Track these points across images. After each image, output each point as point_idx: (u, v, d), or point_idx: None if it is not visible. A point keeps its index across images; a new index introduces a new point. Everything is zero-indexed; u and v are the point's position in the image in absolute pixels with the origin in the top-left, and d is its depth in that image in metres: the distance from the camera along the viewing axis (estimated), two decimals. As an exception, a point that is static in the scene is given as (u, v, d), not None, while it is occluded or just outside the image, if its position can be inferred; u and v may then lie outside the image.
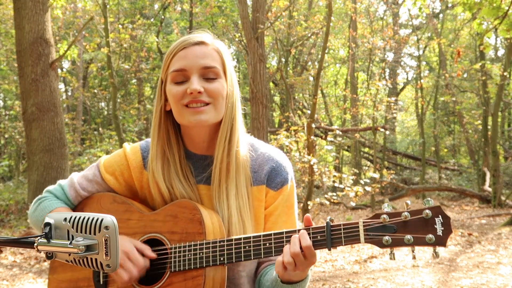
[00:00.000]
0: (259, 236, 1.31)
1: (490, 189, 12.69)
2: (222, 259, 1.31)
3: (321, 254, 6.64)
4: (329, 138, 12.52)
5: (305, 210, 9.83)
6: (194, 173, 1.47)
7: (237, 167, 1.42)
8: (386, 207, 1.24)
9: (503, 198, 12.31)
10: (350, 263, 6.16)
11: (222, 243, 1.32)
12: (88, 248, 1.02)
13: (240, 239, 1.32)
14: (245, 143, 1.47)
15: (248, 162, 1.45)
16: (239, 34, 14.67)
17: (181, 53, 1.39)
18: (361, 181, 10.99)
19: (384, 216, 1.22)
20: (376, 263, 6.11)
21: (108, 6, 11.44)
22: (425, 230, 1.20)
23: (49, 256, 1.05)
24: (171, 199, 1.42)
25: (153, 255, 1.37)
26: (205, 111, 1.36)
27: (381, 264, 6.01)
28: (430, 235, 1.18)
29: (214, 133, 1.44)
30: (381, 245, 1.22)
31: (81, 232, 1.03)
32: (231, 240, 1.32)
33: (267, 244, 1.29)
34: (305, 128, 9.86)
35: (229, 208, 1.39)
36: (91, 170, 1.53)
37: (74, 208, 1.53)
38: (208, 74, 1.38)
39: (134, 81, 18.77)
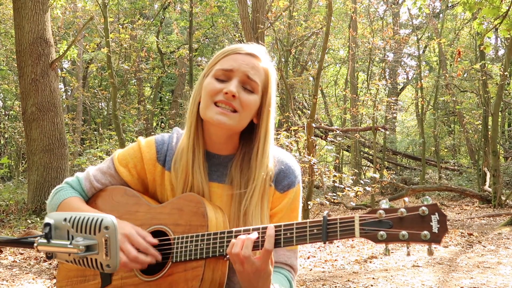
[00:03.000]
0: (258, 229, 1.32)
1: (490, 189, 12.69)
2: (221, 250, 1.32)
3: (321, 254, 6.64)
4: (329, 138, 12.51)
5: (305, 210, 9.84)
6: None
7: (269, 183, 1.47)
8: (384, 204, 1.25)
9: (503, 198, 12.30)
10: (350, 263, 6.15)
11: (222, 235, 1.34)
12: (88, 248, 1.02)
13: (239, 231, 1.33)
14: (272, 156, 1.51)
15: (271, 173, 1.49)
16: (239, 34, 14.68)
17: (233, 56, 1.44)
18: (361, 181, 11.00)
19: (381, 211, 1.23)
20: (376, 263, 6.11)
21: (108, 6, 11.44)
22: (420, 226, 1.19)
23: (49, 256, 1.05)
24: (189, 191, 1.46)
25: (154, 240, 1.39)
26: (230, 116, 1.40)
27: (381, 264, 6.01)
28: (426, 232, 1.18)
29: (231, 137, 1.49)
30: (376, 240, 1.23)
31: (81, 232, 1.03)
32: (231, 232, 1.34)
33: (265, 237, 1.30)
34: (305, 128, 9.86)
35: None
36: (106, 163, 1.57)
37: (88, 200, 1.57)
38: (247, 85, 1.42)
39: (134, 81, 18.78)
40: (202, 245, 1.34)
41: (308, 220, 1.29)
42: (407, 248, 1.24)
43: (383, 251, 1.26)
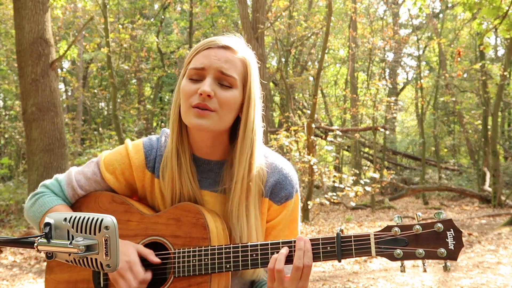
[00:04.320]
0: (267, 245, 1.29)
1: (490, 189, 12.69)
2: (228, 266, 1.29)
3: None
4: (329, 138, 12.52)
5: (305, 210, 9.84)
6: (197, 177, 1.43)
7: (256, 184, 1.38)
8: (397, 219, 1.23)
9: (503, 198, 12.31)
10: (350, 263, 6.15)
11: (228, 250, 1.30)
12: (88, 248, 1.02)
13: (247, 246, 1.29)
14: (261, 155, 1.41)
15: (263, 175, 1.40)
16: (239, 34, 14.66)
17: (205, 52, 1.34)
18: (361, 181, 11.00)
19: (396, 229, 1.22)
20: (376, 263, 6.11)
21: (108, 6, 11.44)
22: (436, 244, 1.19)
23: (49, 256, 1.05)
24: (179, 200, 1.39)
25: (157, 260, 1.34)
26: (209, 116, 1.30)
27: (381, 264, 6.02)
28: (442, 249, 1.18)
29: (217, 139, 1.39)
30: (393, 258, 1.21)
31: (81, 232, 1.03)
32: (238, 247, 1.30)
33: (275, 253, 1.27)
34: (305, 128, 9.87)
35: (249, 228, 1.36)
36: (90, 167, 1.46)
37: (71, 206, 1.47)
38: (224, 81, 1.32)
39: (134, 81, 18.78)
40: (206, 259, 1.30)
41: (320, 237, 1.26)
42: (424, 265, 1.23)
43: (400, 268, 1.24)
